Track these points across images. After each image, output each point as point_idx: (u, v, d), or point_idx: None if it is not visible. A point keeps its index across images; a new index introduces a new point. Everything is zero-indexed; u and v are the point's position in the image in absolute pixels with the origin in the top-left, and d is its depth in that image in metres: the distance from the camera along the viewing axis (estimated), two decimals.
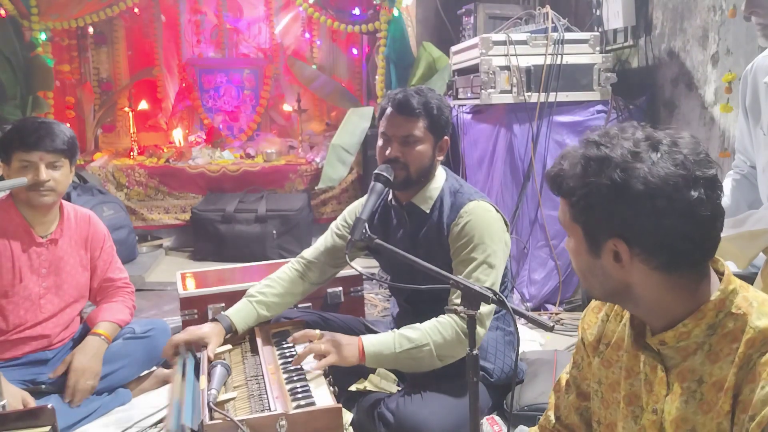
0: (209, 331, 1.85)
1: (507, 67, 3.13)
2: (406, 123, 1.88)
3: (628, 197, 0.93)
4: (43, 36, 4.71)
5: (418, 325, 1.79)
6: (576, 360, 1.26)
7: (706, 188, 0.93)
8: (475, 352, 1.29)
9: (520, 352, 1.37)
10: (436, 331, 1.76)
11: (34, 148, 2.03)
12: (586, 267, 1.04)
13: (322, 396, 1.58)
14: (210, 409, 1.47)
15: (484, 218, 1.86)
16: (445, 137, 1.95)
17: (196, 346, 1.84)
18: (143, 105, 5.46)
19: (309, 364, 1.74)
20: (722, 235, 1.58)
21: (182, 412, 1.47)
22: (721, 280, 1.00)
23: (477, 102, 3.26)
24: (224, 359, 1.78)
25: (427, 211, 1.94)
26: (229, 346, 1.89)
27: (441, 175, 1.99)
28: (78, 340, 2.25)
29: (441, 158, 1.97)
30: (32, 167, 2.04)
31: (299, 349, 1.78)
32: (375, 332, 2.01)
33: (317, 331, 1.79)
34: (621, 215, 0.95)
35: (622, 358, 1.12)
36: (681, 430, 1.00)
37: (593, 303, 1.23)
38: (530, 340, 2.73)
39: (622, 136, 0.97)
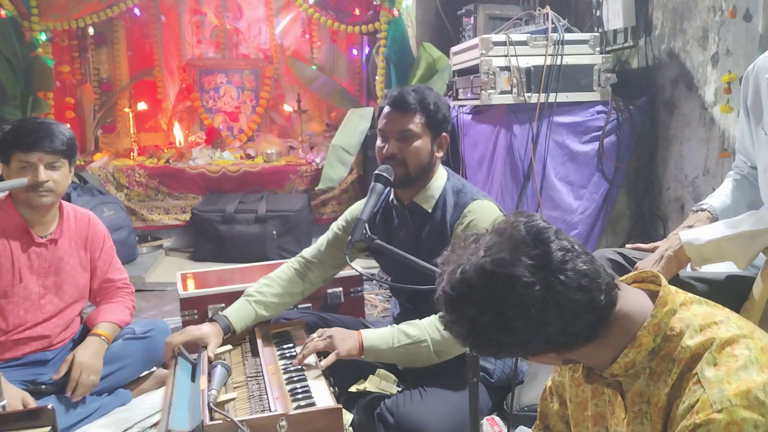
0: (208, 331, 1.86)
1: (507, 68, 3.12)
2: (403, 119, 1.88)
3: (509, 336, 0.92)
4: (43, 36, 4.70)
5: (417, 321, 1.81)
6: (557, 368, 1.26)
7: (553, 271, 0.90)
8: (475, 353, 1.29)
9: None
10: (434, 328, 1.78)
11: (32, 149, 2.03)
12: (535, 359, 1.04)
13: (323, 396, 1.58)
14: (210, 410, 1.47)
15: (488, 217, 1.86)
16: (444, 134, 1.95)
17: (194, 346, 1.84)
18: (143, 105, 5.45)
19: (309, 360, 1.75)
20: (722, 235, 1.59)
21: (170, 417, 1.47)
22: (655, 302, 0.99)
23: (477, 102, 3.26)
24: (224, 359, 1.78)
25: (429, 210, 1.94)
26: (229, 347, 1.89)
27: (442, 174, 1.99)
28: (78, 340, 2.25)
29: (440, 155, 1.97)
30: (31, 168, 2.04)
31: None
32: None
33: (315, 335, 1.79)
34: (516, 348, 0.96)
35: None
36: None
37: None
38: None
39: (453, 277, 0.93)
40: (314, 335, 1.79)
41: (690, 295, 1.02)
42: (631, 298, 1.00)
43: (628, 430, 1.01)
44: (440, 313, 0.99)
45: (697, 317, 0.97)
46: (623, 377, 1.01)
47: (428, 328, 1.78)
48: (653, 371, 0.98)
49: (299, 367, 1.74)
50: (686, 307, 0.99)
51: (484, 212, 1.87)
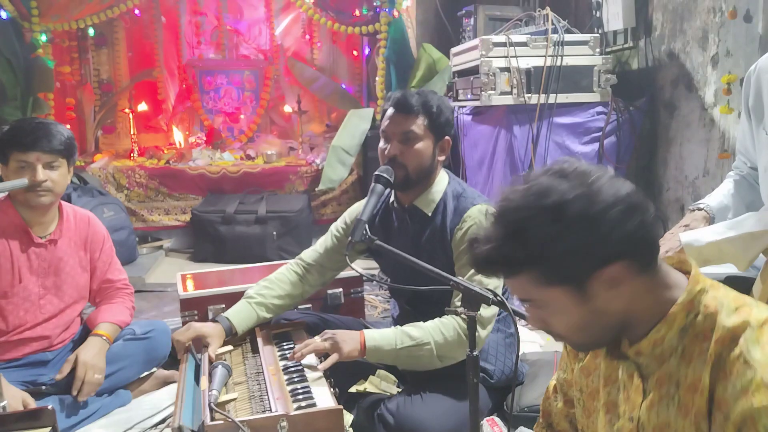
0: (211, 331, 1.86)
1: (507, 69, 3.13)
2: (405, 120, 1.88)
3: (594, 223, 0.93)
4: (43, 37, 4.70)
5: (420, 323, 1.80)
6: (562, 366, 1.25)
7: (623, 184, 0.97)
8: (475, 354, 1.29)
9: (520, 354, 1.37)
10: (438, 331, 1.77)
11: (30, 149, 2.03)
12: (581, 322, 1.00)
13: (323, 397, 1.58)
14: (211, 410, 1.47)
15: None
16: (447, 137, 1.95)
17: (198, 345, 1.85)
18: (143, 106, 5.46)
19: (310, 360, 1.74)
20: (722, 237, 1.59)
21: (181, 412, 1.48)
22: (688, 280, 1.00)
23: (477, 103, 3.26)
24: (225, 360, 1.78)
25: (429, 214, 1.94)
26: (230, 347, 1.89)
27: (444, 178, 1.99)
28: (78, 341, 2.25)
29: (443, 159, 1.96)
30: (29, 168, 2.03)
31: (304, 360, 1.78)
32: None
33: (317, 338, 1.79)
34: (596, 243, 0.94)
35: (600, 366, 1.11)
36: None
37: None
38: (530, 342, 2.73)
39: (541, 181, 0.98)
40: (317, 338, 1.79)
41: (712, 280, 1.02)
42: (668, 267, 1.02)
43: (651, 414, 1.00)
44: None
45: (728, 297, 0.98)
46: (647, 357, 1.00)
47: (432, 331, 1.77)
48: (685, 350, 0.97)
49: (300, 367, 1.74)
50: (715, 289, 1.00)
51: (484, 217, 1.86)
